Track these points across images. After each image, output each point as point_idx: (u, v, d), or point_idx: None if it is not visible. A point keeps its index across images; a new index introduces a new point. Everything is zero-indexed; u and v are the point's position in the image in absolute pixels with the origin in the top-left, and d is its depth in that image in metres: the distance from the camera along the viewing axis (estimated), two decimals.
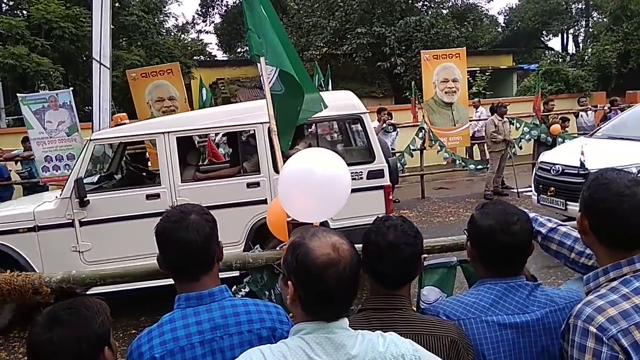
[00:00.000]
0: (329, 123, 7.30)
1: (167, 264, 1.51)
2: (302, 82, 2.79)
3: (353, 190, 5.62)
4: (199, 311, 1.45)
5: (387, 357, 1.21)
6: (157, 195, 5.08)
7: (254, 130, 5.26)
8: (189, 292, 1.47)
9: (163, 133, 5.11)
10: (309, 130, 6.35)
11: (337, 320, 1.22)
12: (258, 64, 2.60)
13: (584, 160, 5.74)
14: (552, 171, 6.47)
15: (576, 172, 5.98)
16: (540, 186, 6.65)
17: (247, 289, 2.15)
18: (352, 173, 5.41)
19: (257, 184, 5.19)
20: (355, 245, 1.31)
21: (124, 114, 6.44)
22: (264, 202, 5.12)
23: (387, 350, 1.23)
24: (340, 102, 5.50)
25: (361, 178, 5.26)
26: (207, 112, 6.51)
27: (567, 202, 6.03)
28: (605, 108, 11.29)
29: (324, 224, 3.04)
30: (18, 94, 8.95)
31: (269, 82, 2.63)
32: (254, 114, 5.27)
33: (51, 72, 13.59)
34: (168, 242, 1.48)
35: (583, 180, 5.79)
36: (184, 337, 1.40)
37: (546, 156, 7.07)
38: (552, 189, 6.23)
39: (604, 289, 1.34)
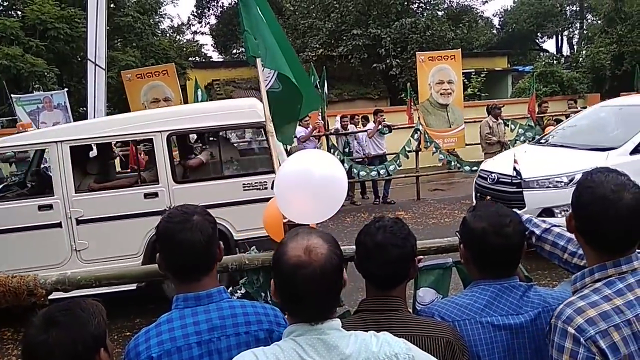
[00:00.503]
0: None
1: (168, 265, 1.51)
2: (300, 82, 2.80)
3: (258, 201, 5.03)
4: (196, 312, 1.44)
5: (380, 357, 1.22)
6: (50, 207, 4.94)
7: (152, 138, 5.11)
8: (188, 292, 1.47)
9: (55, 142, 4.96)
10: (211, 139, 6.17)
11: (327, 320, 1.23)
12: (258, 65, 2.60)
13: (519, 169, 5.63)
14: (488, 179, 6.37)
15: (510, 180, 5.86)
16: (478, 194, 6.52)
17: (243, 291, 2.15)
18: (256, 183, 5.11)
19: (155, 195, 5.06)
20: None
21: (29, 121, 6.28)
22: (163, 213, 4.97)
23: (380, 349, 1.23)
24: (243, 110, 5.30)
25: (265, 188, 5.08)
26: (104, 120, 6.36)
27: None
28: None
29: None
30: (12, 95, 8.94)
31: (268, 82, 2.65)
32: (152, 121, 5.16)
33: (46, 73, 13.54)
34: (171, 242, 1.47)
35: (517, 189, 5.71)
36: (181, 337, 1.40)
37: (485, 164, 6.98)
38: (489, 197, 6.04)
39: (587, 290, 1.35)
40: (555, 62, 24.76)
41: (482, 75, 18.25)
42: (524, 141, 10.34)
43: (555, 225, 1.79)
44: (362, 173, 9.40)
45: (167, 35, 25.46)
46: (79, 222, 4.97)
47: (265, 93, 2.52)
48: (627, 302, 1.29)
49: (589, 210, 1.34)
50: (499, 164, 6.56)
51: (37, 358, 1.26)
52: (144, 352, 1.39)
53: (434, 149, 9.69)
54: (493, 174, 6.33)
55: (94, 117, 8.96)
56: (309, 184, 1.88)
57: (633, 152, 5.75)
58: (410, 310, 1.70)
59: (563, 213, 5.41)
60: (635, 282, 1.33)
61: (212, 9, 32.60)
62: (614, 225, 1.31)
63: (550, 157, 6.32)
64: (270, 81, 2.72)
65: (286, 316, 1.38)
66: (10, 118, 12.50)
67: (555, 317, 1.33)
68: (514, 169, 5.57)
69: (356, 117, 10.66)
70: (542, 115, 11.13)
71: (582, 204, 1.37)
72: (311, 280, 1.19)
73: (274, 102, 2.79)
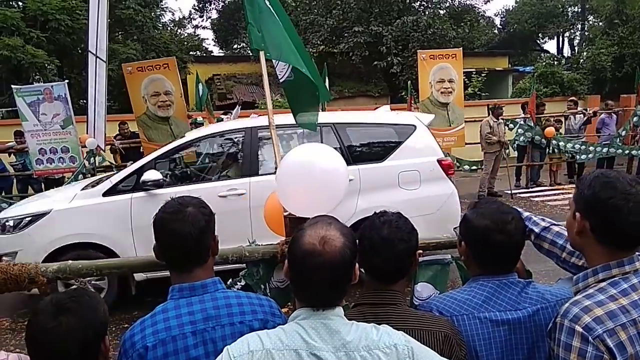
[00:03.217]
0: None
1: (161, 254, 1.53)
2: (311, 73, 2.77)
3: None
4: (191, 302, 1.46)
5: (380, 346, 1.24)
6: None
7: None
8: (183, 283, 1.48)
9: None
10: None
11: (330, 308, 1.27)
12: (261, 59, 2.59)
13: None
14: None
15: None
16: None
17: (242, 283, 2.17)
18: None
19: None
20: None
21: None
22: None
23: (380, 339, 1.26)
24: None
25: None
26: None
27: None
28: (589, 112, 11.46)
29: None
30: (13, 86, 8.90)
31: (284, 74, 2.64)
32: None
33: (46, 65, 13.51)
34: (163, 232, 1.49)
35: None
36: (176, 326, 1.42)
37: None
38: None
39: (591, 290, 1.36)
40: (556, 63, 24.81)
41: (483, 74, 18.23)
42: (524, 141, 10.39)
43: (554, 224, 1.80)
44: None
45: (169, 28, 25.38)
46: None
47: (267, 86, 2.52)
48: (632, 302, 1.30)
49: (611, 205, 1.32)
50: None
51: (48, 345, 1.25)
52: (140, 341, 1.40)
53: None
54: None
55: (94, 109, 8.93)
56: (309, 176, 1.88)
57: (106, 194, 4.92)
58: (408, 305, 1.71)
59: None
60: (638, 282, 1.34)
61: (214, 3, 32.54)
62: (634, 219, 1.31)
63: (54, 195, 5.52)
64: (286, 72, 2.71)
65: (285, 311, 1.40)
66: (11, 109, 12.50)
67: (562, 316, 1.32)
68: None
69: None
70: (540, 115, 11.16)
71: (602, 199, 1.34)
72: (320, 270, 1.24)
73: (291, 90, 2.80)
